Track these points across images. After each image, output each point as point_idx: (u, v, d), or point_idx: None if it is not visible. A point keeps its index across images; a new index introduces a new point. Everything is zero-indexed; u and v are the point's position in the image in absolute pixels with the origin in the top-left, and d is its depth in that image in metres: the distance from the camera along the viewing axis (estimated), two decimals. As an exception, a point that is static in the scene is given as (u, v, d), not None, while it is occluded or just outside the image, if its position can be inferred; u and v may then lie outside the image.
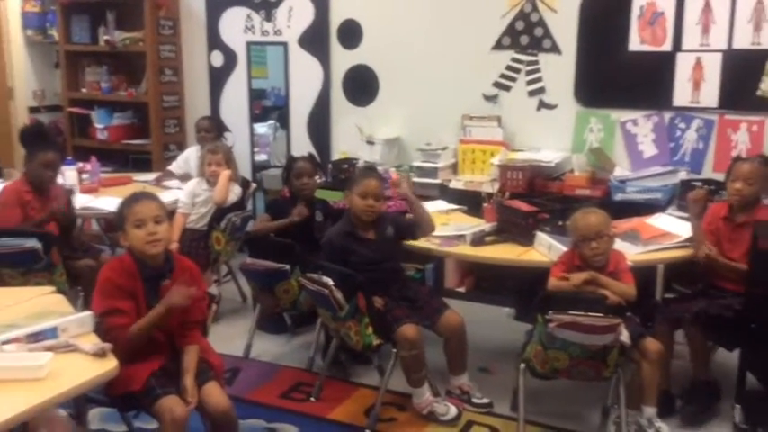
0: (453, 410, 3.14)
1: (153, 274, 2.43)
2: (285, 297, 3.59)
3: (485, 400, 3.26)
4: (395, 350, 3.05)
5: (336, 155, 5.22)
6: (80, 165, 4.64)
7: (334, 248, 3.20)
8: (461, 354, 3.26)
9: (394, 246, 3.33)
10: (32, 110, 6.46)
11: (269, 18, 5.36)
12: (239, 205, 4.36)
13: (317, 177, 4.00)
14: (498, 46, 4.64)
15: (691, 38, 4.15)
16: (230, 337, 3.89)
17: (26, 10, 6.30)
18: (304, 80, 5.31)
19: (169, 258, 2.50)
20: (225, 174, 4.18)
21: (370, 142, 4.93)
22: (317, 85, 5.28)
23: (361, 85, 5.11)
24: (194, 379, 2.38)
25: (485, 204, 3.75)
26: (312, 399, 3.35)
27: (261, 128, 5.94)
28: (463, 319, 3.23)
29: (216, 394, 2.39)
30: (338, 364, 3.56)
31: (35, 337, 2.11)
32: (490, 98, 4.71)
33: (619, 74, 4.36)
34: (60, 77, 6.05)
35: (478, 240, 3.38)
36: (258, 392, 3.40)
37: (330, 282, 3.01)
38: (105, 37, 5.63)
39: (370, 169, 3.90)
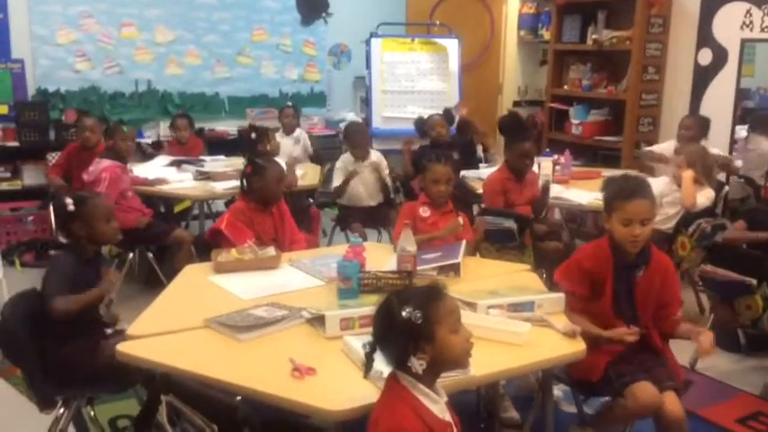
0: None
1: (627, 263, 2.46)
2: (746, 313, 3.32)
3: None
4: None
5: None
6: (555, 157, 4.93)
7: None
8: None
9: None
10: (515, 104, 7.14)
11: (774, 13, 4.91)
12: (711, 211, 4.10)
13: None
14: None
15: None
16: (681, 347, 3.72)
17: (523, 12, 6.97)
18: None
19: (645, 250, 2.47)
20: (687, 175, 3.97)
21: None
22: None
23: None
24: None
25: None
26: (773, 433, 3.02)
27: (743, 130, 5.48)
28: None
29: (674, 403, 2.34)
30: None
31: (515, 308, 2.35)
32: None
33: None
34: (546, 74, 6.50)
35: None
36: (712, 411, 3.21)
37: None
38: (594, 36, 5.85)
39: None
